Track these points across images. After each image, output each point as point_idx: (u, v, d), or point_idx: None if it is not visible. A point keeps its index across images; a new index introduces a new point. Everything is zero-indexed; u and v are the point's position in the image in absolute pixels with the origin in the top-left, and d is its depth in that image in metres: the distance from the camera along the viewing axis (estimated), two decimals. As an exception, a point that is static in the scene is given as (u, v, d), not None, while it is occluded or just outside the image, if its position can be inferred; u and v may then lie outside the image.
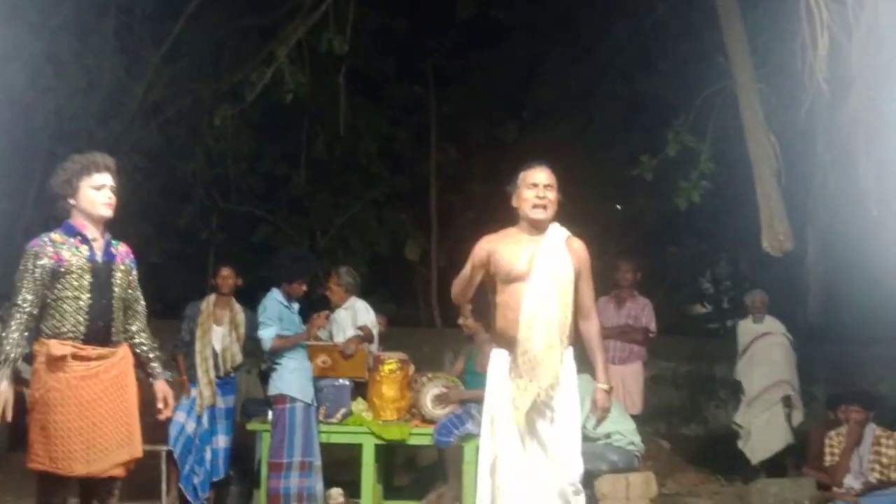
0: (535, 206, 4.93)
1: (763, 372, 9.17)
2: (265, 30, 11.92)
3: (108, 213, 4.88)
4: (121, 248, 5.01)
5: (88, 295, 4.74)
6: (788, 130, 8.08)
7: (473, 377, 7.59)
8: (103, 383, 4.75)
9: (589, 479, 7.08)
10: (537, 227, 4.95)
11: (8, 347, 4.65)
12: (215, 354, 7.77)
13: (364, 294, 8.81)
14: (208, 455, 7.65)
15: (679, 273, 14.92)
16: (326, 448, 7.41)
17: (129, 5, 11.16)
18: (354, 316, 8.23)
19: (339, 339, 8.10)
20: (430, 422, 7.55)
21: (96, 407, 4.71)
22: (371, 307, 8.42)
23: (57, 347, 4.68)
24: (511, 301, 4.87)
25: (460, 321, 7.78)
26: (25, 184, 12.12)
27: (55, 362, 4.67)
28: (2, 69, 10.02)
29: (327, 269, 8.81)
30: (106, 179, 4.87)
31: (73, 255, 4.76)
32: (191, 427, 7.63)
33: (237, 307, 7.98)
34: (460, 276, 5.06)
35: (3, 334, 4.68)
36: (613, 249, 14.44)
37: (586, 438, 6.99)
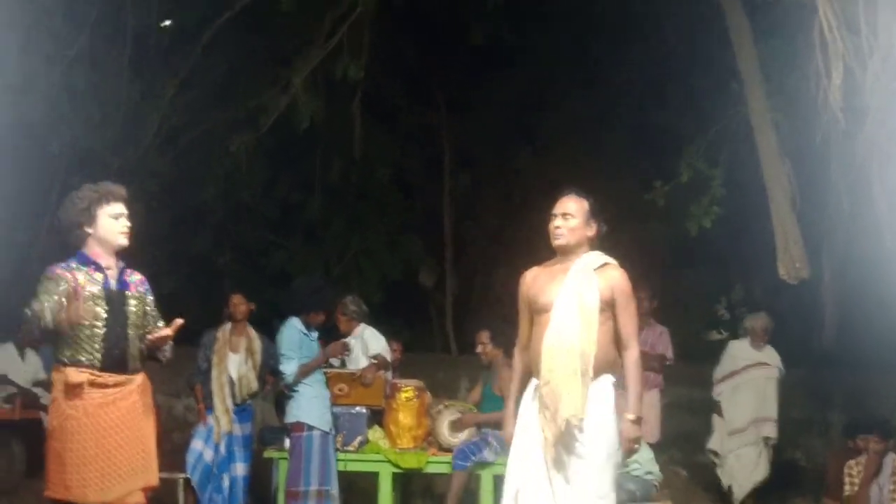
0: (553, 236, 4.96)
1: (751, 405, 8.99)
2: (280, 57, 11.99)
3: (125, 242, 4.93)
4: (134, 277, 5.05)
5: (103, 323, 4.77)
6: (803, 156, 8.09)
7: (490, 401, 7.60)
8: (120, 411, 4.77)
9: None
10: (565, 256, 4.97)
11: (34, 310, 4.65)
12: (231, 382, 7.78)
13: (378, 321, 8.83)
14: (226, 483, 7.65)
15: (694, 299, 14.88)
16: (343, 476, 7.41)
17: (145, 35, 11.23)
18: (364, 344, 8.26)
19: (352, 367, 8.13)
20: (447, 450, 7.54)
21: (113, 435, 4.74)
22: (384, 334, 8.45)
23: (74, 375, 4.71)
24: (538, 332, 4.90)
25: (478, 349, 7.78)
26: (40, 214, 12.19)
27: (72, 390, 4.70)
28: (18, 100, 10.10)
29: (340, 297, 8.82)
30: (122, 209, 4.93)
31: (89, 283, 4.79)
32: (209, 455, 7.63)
33: (253, 334, 7.99)
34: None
35: (27, 316, 4.69)
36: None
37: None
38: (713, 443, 9.16)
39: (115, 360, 4.79)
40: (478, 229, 15.18)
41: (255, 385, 7.88)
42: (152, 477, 4.92)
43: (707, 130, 9.21)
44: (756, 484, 8.95)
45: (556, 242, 4.97)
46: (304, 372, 7.26)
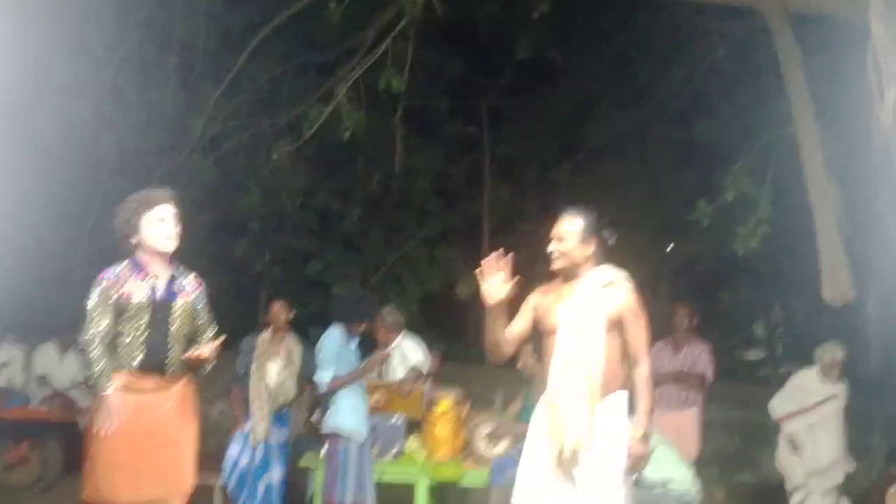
0: (551, 260, 4.98)
1: (828, 444, 8.43)
2: (323, 67, 12.04)
3: (171, 245, 4.97)
4: (186, 282, 5.07)
5: (144, 332, 4.83)
6: (850, 177, 7.99)
7: (530, 415, 7.54)
8: (155, 417, 4.81)
9: (644, 527, 7.00)
10: (566, 277, 4.96)
11: (98, 367, 4.74)
12: (269, 389, 7.79)
13: (415, 331, 8.82)
14: (261, 490, 7.64)
15: (732, 318, 14.77)
16: (379, 487, 7.37)
17: (191, 41, 11.31)
18: (403, 354, 8.25)
19: (390, 377, 8.12)
20: (484, 462, 7.51)
21: (146, 441, 4.77)
22: (422, 344, 8.43)
23: (117, 378, 4.79)
24: (546, 354, 4.91)
25: (519, 364, 7.74)
26: (84, 215, 12.30)
27: (116, 391, 4.76)
28: (66, 102, 10.23)
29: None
30: (166, 212, 4.98)
31: (136, 292, 4.84)
32: (244, 461, 7.64)
33: (292, 341, 7.99)
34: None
35: (88, 362, 4.77)
36: (666, 293, 14.35)
37: (642, 486, 6.95)
38: (797, 479, 8.45)
39: (153, 367, 4.83)
40: (517, 241, 15.13)
41: (292, 392, 7.89)
42: (187, 484, 4.95)
43: (752, 147, 9.12)
44: None
45: (553, 265, 4.97)
46: (341, 384, 7.24)
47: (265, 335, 8.00)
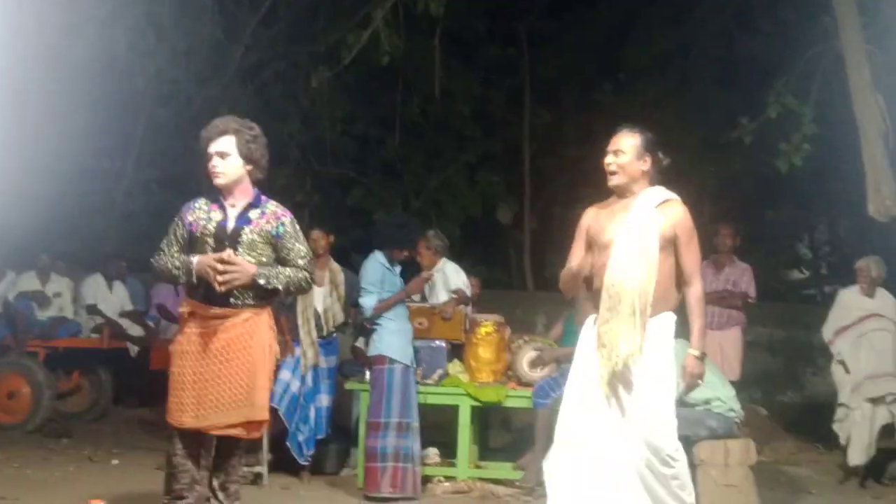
0: (607, 173, 4.94)
1: (870, 359, 8.23)
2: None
3: (219, 180, 4.94)
4: (266, 210, 5.02)
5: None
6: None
7: (572, 337, 7.52)
8: (220, 342, 4.84)
9: (687, 445, 7.01)
10: (621, 194, 4.94)
11: (173, 264, 4.92)
12: (317, 315, 7.87)
13: (456, 257, 8.85)
14: (312, 414, 7.77)
15: (776, 238, 14.65)
16: (423, 409, 7.46)
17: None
18: (445, 278, 8.29)
19: (433, 301, 8.17)
20: (527, 384, 7.57)
21: (210, 364, 4.83)
22: (462, 269, 8.46)
23: (183, 305, 4.98)
24: (598, 270, 4.88)
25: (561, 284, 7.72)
26: (127, 145, 12.42)
27: (184, 319, 4.95)
28: (104, 33, 10.24)
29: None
30: (211, 148, 4.92)
31: (206, 221, 4.93)
32: (295, 386, 7.74)
33: (336, 267, 8.06)
34: (565, 269, 5.06)
35: (165, 271, 4.96)
36: (708, 213, 14.24)
37: (684, 404, 6.98)
38: (844, 396, 8.28)
39: (217, 294, 4.81)
40: (558, 165, 15.07)
41: (340, 317, 7.97)
42: (256, 411, 4.89)
43: (796, 64, 8.97)
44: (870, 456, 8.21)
45: (610, 180, 4.94)
46: (384, 307, 7.28)
47: (308, 263, 8.07)
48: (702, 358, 4.79)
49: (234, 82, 12.20)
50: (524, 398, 7.55)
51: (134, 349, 10.48)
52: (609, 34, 14.18)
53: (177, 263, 4.88)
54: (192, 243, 4.92)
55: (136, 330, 10.56)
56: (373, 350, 7.29)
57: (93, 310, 10.40)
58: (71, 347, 10.13)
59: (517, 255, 15.21)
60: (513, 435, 9.71)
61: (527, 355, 7.66)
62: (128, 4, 10.32)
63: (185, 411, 4.81)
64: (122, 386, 10.69)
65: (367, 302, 7.29)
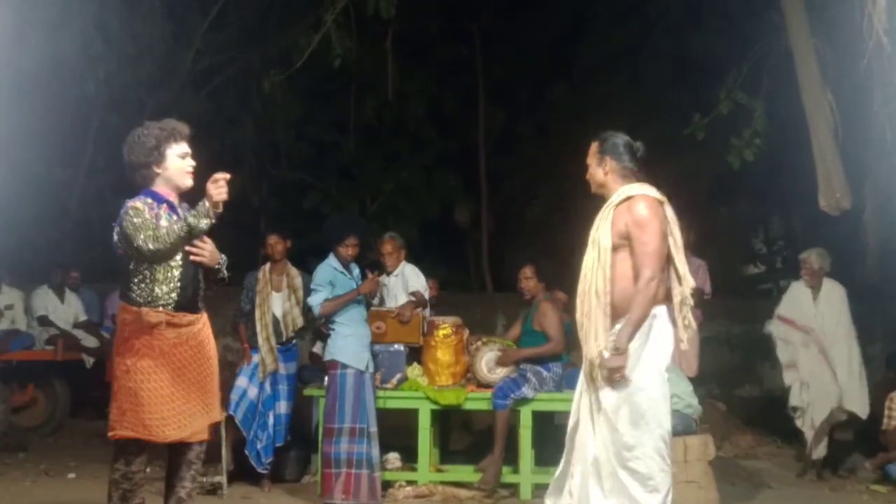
0: None
1: (814, 384, 8.23)
2: (312, -6, 11.88)
3: (191, 182, 4.83)
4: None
5: (179, 264, 4.73)
6: (845, 85, 7.92)
7: (530, 337, 7.59)
8: (192, 350, 4.76)
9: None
10: (604, 199, 4.96)
11: (180, 221, 4.63)
12: (276, 321, 7.82)
13: (415, 259, 8.81)
14: (271, 421, 7.72)
15: (731, 233, 14.75)
16: (383, 414, 7.42)
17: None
18: (405, 280, 8.24)
19: (391, 304, 8.12)
20: (486, 386, 7.55)
21: (185, 373, 4.73)
22: (421, 272, 8.42)
23: (151, 315, 4.67)
24: None
25: (521, 283, 7.72)
26: (78, 152, 12.26)
27: (148, 329, 4.67)
28: (52, 38, 10.09)
29: (377, 235, 8.79)
30: (188, 148, 4.83)
31: (166, 223, 4.68)
32: (253, 393, 7.70)
33: (293, 272, 8.01)
34: None
35: (164, 232, 4.59)
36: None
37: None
38: (794, 398, 8.32)
39: (189, 300, 4.76)
40: (514, 164, 15.07)
41: (300, 321, 7.92)
42: (217, 413, 4.97)
43: (746, 59, 9.02)
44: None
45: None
46: (332, 306, 7.15)
47: (265, 268, 8.02)
48: (618, 352, 4.63)
49: (187, 87, 12.09)
50: (484, 400, 7.54)
51: (89, 360, 10.36)
52: (561, 33, 14.22)
53: (189, 218, 4.58)
54: None
55: (91, 341, 10.43)
56: (326, 355, 7.24)
57: (44, 321, 10.26)
58: (24, 360, 9.99)
59: (475, 255, 15.21)
60: (474, 437, 9.70)
61: (486, 356, 7.63)
62: (75, 9, 10.17)
63: (168, 424, 4.68)
64: (79, 398, 10.55)
65: (314, 300, 7.21)
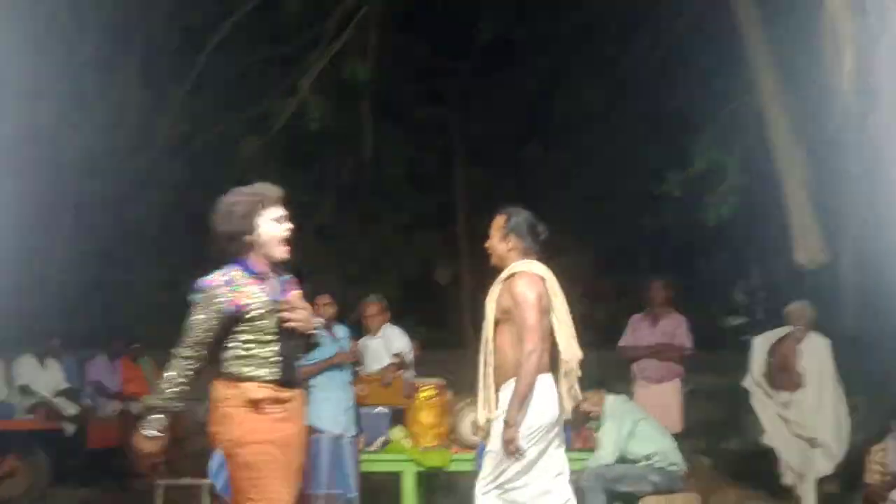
0: None
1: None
2: (287, 59, 11.99)
3: (285, 254, 4.52)
4: (289, 283, 4.59)
5: (277, 338, 4.37)
6: (817, 139, 8.02)
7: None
8: (295, 426, 4.45)
9: (632, 500, 7.05)
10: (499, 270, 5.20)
11: (171, 393, 4.28)
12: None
13: (396, 318, 8.81)
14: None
15: (711, 286, 14.84)
16: (367, 477, 7.37)
17: (152, 40, 11.24)
18: (388, 342, 8.23)
19: (375, 366, 8.10)
20: (470, 447, 7.52)
21: (291, 451, 4.39)
22: (404, 331, 8.42)
23: (255, 391, 4.32)
24: None
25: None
26: (56, 219, 12.23)
27: (253, 405, 4.32)
28: (30, 106, 10.15)
29: (358, 297, 8.80)
30: (282, 210, 4.52)
31: (254, 298, 4.36)
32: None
33: (273, 338, 7.97)
34: None
35: (170, 378, 4.28)
36: (643, 264, 14.40)
37: (626, 460, 7.00)
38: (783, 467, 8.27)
39: (290, 375, 4.43)
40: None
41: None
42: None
43: (719, 117, 9.14)
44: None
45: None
46: (310, 370, 7.06)
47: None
48: (508, 425, 4.82)
49: (164, 153, 12.13)
50: (468, 461, 7.49)
51: (70, 428, 10.24)
52: (536, 92, 14.37)
53: (181, 388, 4.28)
54: (241, 322, 4.34)
55: (71, 408, 10.34)
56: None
57: (26, 390, 10.16)
58: (4, 430, 9.87)
59: (456, 314, 15.22)
60: (458, 498, 9.62)
61: (469, 418, 7.61)
62: (52, 76, 10.23)
63: (282, 500, 4.33)
64: (60, 467, 10.41)
65: None
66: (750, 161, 9.10)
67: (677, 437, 7.85)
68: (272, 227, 4.46)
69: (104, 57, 10.88)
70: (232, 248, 4.46)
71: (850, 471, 8.29)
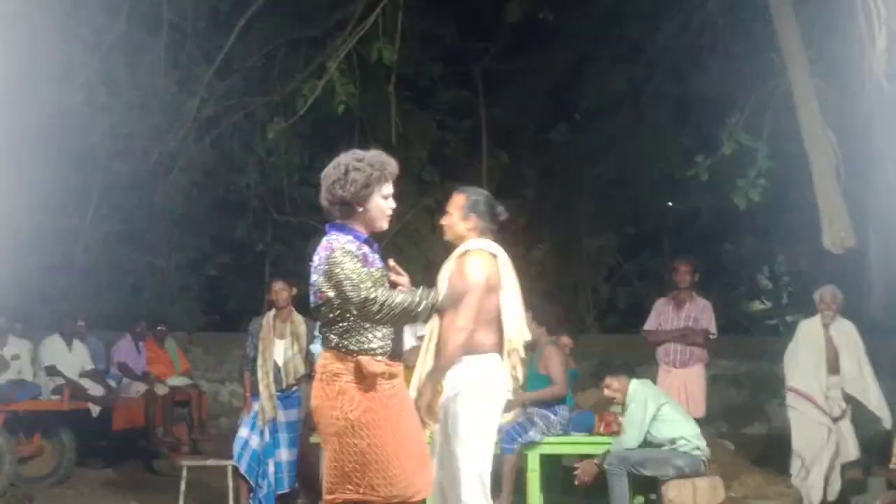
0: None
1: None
2: (314, 41, 11.99)
3: (387, 225, 4.47)
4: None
5: None
6: (847, 123, 7.95)
7: (535, 380, 7.59)
8: (403, 401, 4.37)
9: (655, 485, 7.06)
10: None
11: (410, 297, 4.22)
12: (277, 368, 7.81)
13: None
14: (271, 468, 7.70)
15: (736, 270, 14.76)
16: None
17: (180, 22, 11.26)
18: (413, 326, 8.24)
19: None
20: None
21: (403, 427, 4.29)
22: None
23: (371, 364, 4.19)
24: None
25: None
26: (84, 201, 12.32)
27: (368, 380, 4.20)
28: (58, 89, 10.19)
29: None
30: (392, 188, 4.46)
31: (375, 264, 4.33)
32: (255, 442, 7.68)
33: (298, 318, 8.01)
34: None
35: (395, 302, 4.16)
36: (668, 249, 14.34)
37: (649, 444, 7.00)
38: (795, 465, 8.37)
39: (395, 347, 4.41)
40: (517, 207, 15.08)
41: (301, 369, 7.88)
42: (433, 471, 4.58)
43: (748, 100, 9.06)
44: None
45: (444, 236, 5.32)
46: None
47: (269, 315, 8.03)
48: (421, 392, 4.85)
49: (191, 134, 12.16)
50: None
51: (96, 409, 10.33)
52: (563, 75, 14.30)
53: (420, 293, 4.24)
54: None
55: (97, 389, 10.42)
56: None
57: (52, 371, 10.26)
58: (31, 410, 9.97)
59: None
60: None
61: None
62: (81, 60, 10.28)
63: (395, 483, 4.21)
64: (86, 447, 10.52)
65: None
66: (777, 143, 9.02)
67: (700, 421, 7.84)
68: (383, 202, 4.40)
69: (132, 39, 10.90)
70: (337, 211, 4.39)
71: (872, 458, 8.28)
